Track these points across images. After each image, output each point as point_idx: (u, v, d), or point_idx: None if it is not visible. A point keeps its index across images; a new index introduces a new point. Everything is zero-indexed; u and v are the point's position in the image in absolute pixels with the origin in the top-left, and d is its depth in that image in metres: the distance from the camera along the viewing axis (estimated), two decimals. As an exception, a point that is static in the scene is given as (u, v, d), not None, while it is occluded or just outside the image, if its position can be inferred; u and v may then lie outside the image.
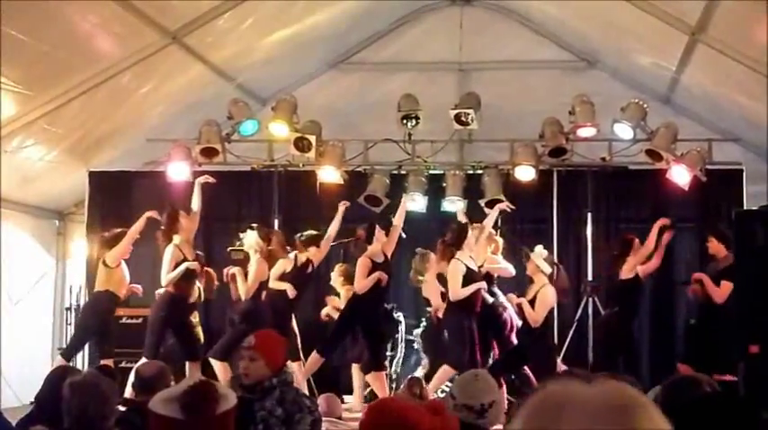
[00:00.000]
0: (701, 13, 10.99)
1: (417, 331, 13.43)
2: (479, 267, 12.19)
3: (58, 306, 14.81)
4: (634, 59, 14.29)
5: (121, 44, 11.75)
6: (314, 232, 12.95)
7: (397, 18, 15.04)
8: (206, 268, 12.66)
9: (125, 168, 14.63)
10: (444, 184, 13.60)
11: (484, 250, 12.49)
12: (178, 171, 13.34)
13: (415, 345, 13.69)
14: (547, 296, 11.93)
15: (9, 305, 13.61)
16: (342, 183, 13.49)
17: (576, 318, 13.07)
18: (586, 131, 12.96)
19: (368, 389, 12.70)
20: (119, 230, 12.56)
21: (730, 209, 13.25)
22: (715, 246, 12.32)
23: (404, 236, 13.09)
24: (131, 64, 11.97)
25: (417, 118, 13.12)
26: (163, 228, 12.31)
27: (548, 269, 12.07)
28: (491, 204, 13.15)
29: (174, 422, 4.01)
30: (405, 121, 13.14)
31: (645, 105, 12.90)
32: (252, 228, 12.71)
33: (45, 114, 12.05)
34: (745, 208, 13.44)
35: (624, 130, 12.95)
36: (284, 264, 12.66)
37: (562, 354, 13.32)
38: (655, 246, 12.28)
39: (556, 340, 13.34)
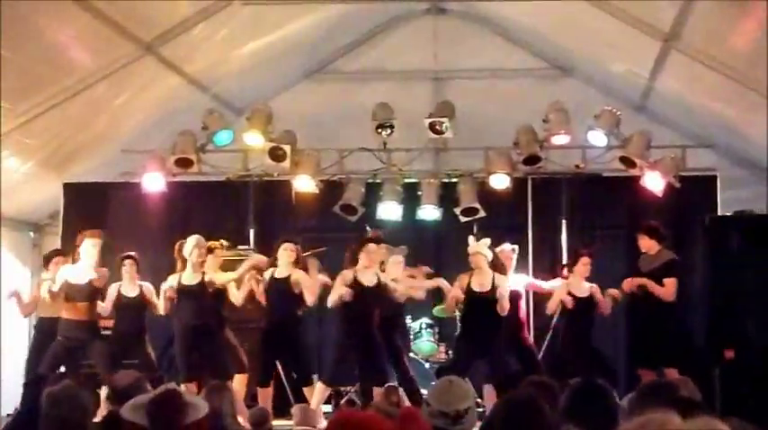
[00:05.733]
0: (673, 20, 11.06)
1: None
2: None
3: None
4: (608, 67, 14.34)
5: (96, 55, 11.73)
6: None
7: (370, 28, 15.07)
8: None
9: (100, 179, 14.56)
10: (420, 193, 13.58)
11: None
12: (153, 181, 13.31)
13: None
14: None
15: (-15, 318, 13.57)
16: (317, 192, 13.49)
17: (552, 325, 13.07)
18: (560, 139, 12.97)
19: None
20: None
21: (704, 215, 13.33)
22: (647, 243, 12.30)
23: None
24: (106, 75, 11.96)
25: (392, 127, 13.09)
26: None
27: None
28: (466, 212, 13.18)
29: (142, 430, 4.01)
30: (380, 130, 13.12)
31: (618, 113, 12.92)
32: None
33: (19, 126, 12.01)
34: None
35: (598, 138, 12.98)
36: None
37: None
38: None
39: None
